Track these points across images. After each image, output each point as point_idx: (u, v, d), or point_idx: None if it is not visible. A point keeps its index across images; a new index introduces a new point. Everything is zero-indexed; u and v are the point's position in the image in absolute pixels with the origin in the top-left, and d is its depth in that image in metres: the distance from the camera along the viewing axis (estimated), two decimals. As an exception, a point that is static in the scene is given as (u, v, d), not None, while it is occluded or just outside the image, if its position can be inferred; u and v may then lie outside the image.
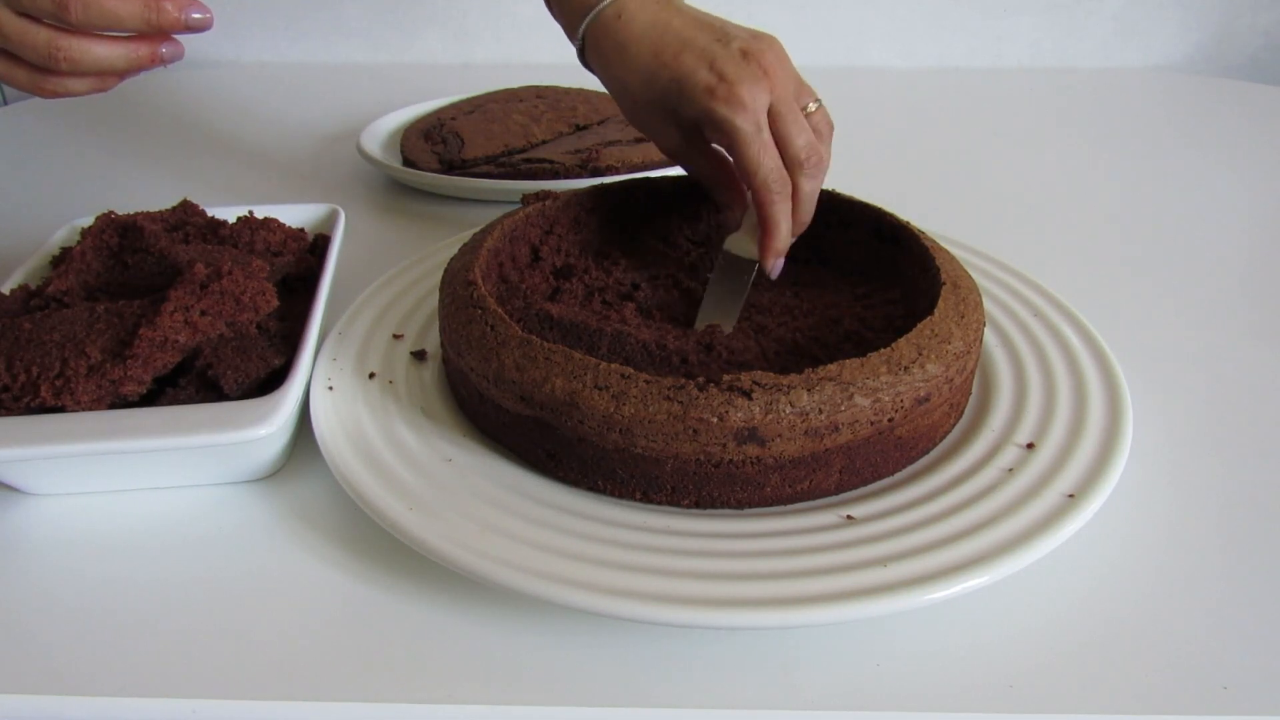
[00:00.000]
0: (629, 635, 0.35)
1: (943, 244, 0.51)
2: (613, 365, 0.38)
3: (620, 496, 0.39)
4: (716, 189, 0.51)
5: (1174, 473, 0.43)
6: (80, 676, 0.33)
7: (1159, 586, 0.37)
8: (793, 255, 0.55)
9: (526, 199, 0.54)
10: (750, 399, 0.36)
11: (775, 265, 0.49)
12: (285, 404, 0.39)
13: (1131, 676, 0.33)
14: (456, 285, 0.45)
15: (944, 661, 0.34)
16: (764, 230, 0.47)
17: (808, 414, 0.36)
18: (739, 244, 0.50)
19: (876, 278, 0.51)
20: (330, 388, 0.44)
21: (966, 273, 0.47)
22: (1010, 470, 0.39)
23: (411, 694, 0.32)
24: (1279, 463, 0.44)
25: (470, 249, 0.49)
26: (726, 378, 0.36)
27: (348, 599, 0.36)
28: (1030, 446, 0.40)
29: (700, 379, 0.37)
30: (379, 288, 0.54)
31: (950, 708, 0.32)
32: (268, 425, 0.38)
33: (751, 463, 0.37)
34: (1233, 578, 0.37)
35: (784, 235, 0.47)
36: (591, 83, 0.92)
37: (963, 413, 0.44)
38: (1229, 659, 0.33)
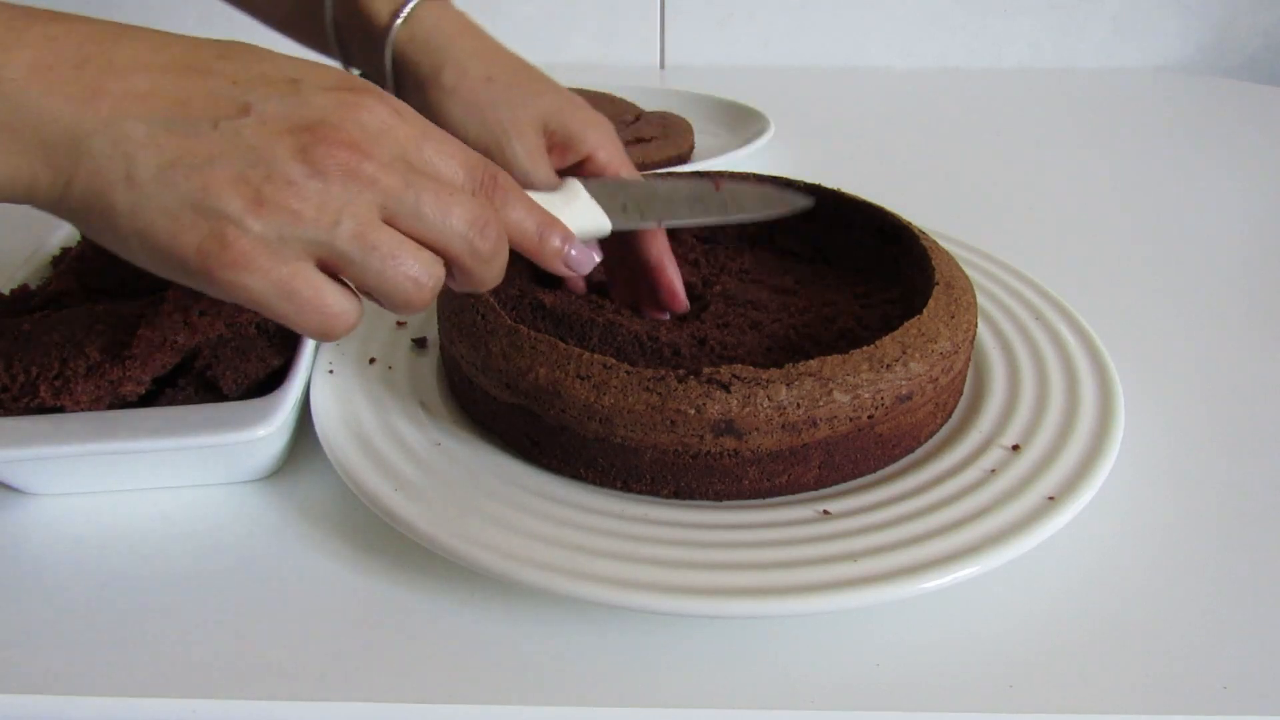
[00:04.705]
0: (630, 635, 0.35)
1: (942, 244, 0.50)
2: (595, 355, 0.38)
3: (601, 484, 0.40)
4: None
5: (1172, 472, 0.43)
6: (80, 676, 0.33)
7: (1158, 586, 0.37)
8: (795, 253, 0.55)
9: None
10: (728, 392, 0.36)
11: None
12: (284, 405, 0.39)
13: (1131, 676, 0.33)
14: None
15: (944, 661, 0.34)
16: None
17: (785, 408, 0.37)
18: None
19: (878, 277, 0.51)
20: (330, 371, 0.45)
21: (964, 274, 0.47)
22: (993, 471, 0.39)
23: (412, 694, 0.32)
24: (1278, 462, 0.44)
25: None
26: (706, 370, 0.37)
27: (346, 600, 0.36)
28: (1016, 449, 0.40)
29: (680, 371, 0.37)
30: None
31: (951, 707, 0.32)
32: (266, 426, 0.38)
33: (729, 455, 0.37)
34: (1232, 577, 0.37)
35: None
36: (588, 84, 0.92)
37: (951, 413, 0.44)
38: (1229, 659, 0.33)
